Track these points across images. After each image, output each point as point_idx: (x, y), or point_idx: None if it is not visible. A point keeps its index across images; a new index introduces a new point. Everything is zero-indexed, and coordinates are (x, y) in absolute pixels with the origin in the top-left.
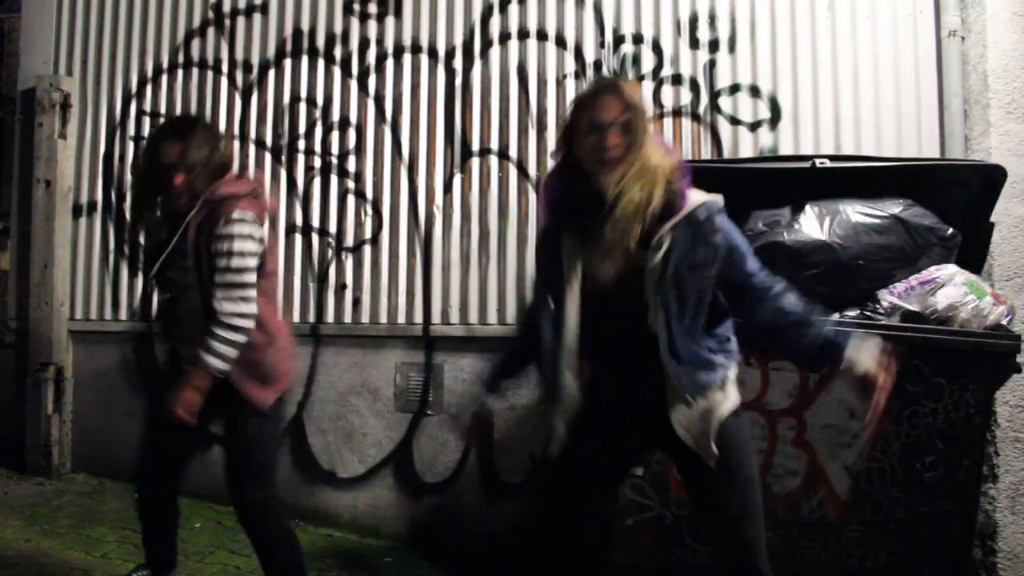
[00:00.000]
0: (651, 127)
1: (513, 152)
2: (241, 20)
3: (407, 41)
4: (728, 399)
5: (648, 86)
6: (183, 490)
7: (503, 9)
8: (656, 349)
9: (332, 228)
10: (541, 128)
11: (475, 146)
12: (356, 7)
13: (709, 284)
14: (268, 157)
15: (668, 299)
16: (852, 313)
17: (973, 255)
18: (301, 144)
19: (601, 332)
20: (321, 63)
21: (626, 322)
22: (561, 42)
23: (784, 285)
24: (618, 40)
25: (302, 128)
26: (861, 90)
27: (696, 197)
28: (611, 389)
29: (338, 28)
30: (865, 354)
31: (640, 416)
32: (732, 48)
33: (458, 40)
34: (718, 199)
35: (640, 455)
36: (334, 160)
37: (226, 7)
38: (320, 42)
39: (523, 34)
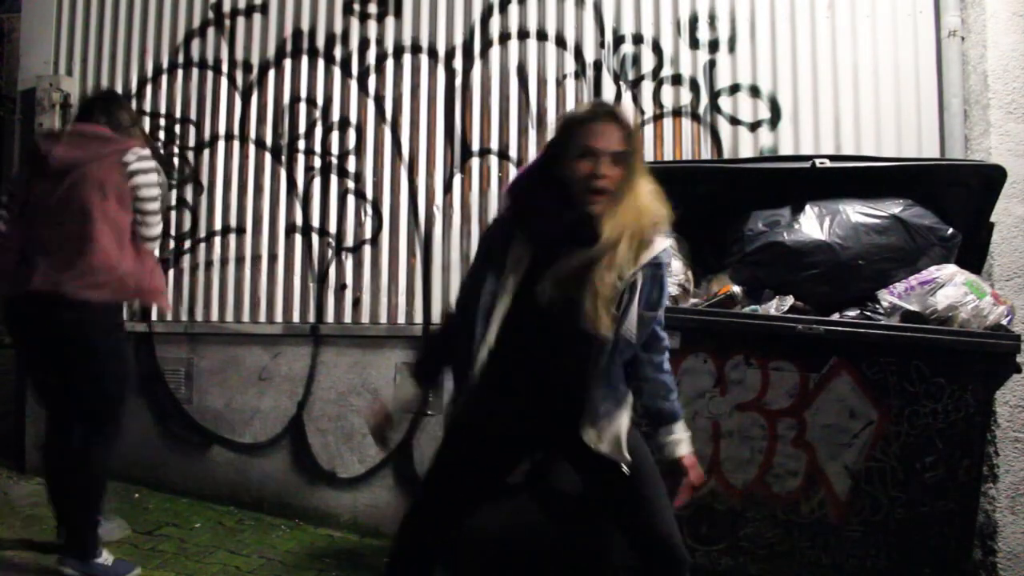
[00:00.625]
0: (643, 162)
1: (513, 152)
2: (241, 20)
3: (407, 41)
4: (627, 414)
5: (648, 86)
6: (182, 490)
7: (503, 9)
8: (580, 371)
9: (332, 228)
10: (541, 128)
11: (475, 146)
12: (356, 7)
13: (652, 322)
14: (268, 157)
15: (624, 334)
16: (852, 313)
17: (973, 255)
18: (301, 144)
19: (526, 343)
20: (321, 63)
21: (562, 343)
22: (561, 42)
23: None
24: (618, 40)
25: (302, 128)
26: (861, 90)
27: (660, 240)
28: (524, 401)
29: (338, 28)
30: (684, 445)
31: (549, 429)
32: (732, 48)
33: (458, 40)
34: (670, 242)
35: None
36: (334, 160)
37: (226, 7)
38: (320, 42)
39: (523, 34)
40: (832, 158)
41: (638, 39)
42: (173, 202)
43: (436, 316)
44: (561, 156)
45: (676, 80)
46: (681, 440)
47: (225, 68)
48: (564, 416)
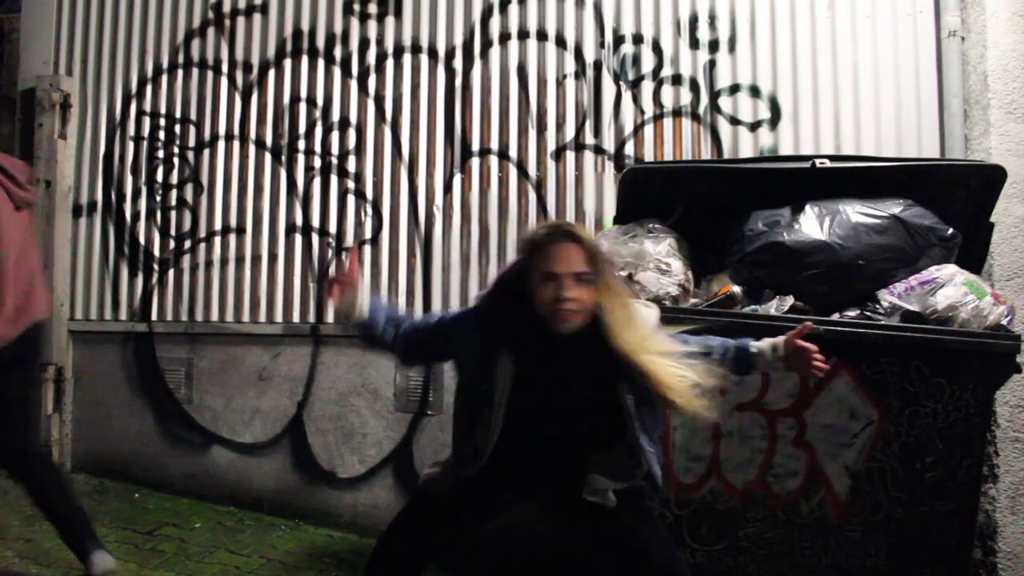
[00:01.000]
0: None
1: (513, 152)
2: (241, 20)
3: (407, 41)
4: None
5: (648, 86)
6: (182, 490)
7: (503, 9)
8: (575, 455)
9: (332, 228)
10: (541, 128)
11: (475, 146)
12: (356, 7)
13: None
14: (268, 157)
15: (642, 414)
16: (852, 313)
17: (973, 255)
18: (301, 144)
19: (522, 436)
20: (321, 63)
21: (565, 436)
22: (561, 42)
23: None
24: (618, 40)
25: (302, 128)
26: (861, 90)
27: (652, 323)
28: (518, 480)
29: (338, 28)
30: (765, 345)
31: (544, 496)
32: (732, 48)
33: (458, 40)
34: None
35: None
36: (334, 160)
37: (226, 7)
38: (320, 42)
39: (523, 34)
40: (832, 158)
41: (638, 39)
42: (173, 202)
43: None
44: (527, 278)
45: (676, 80)
46: (762, 348)
47: (225, 68)
48: (560, 488)
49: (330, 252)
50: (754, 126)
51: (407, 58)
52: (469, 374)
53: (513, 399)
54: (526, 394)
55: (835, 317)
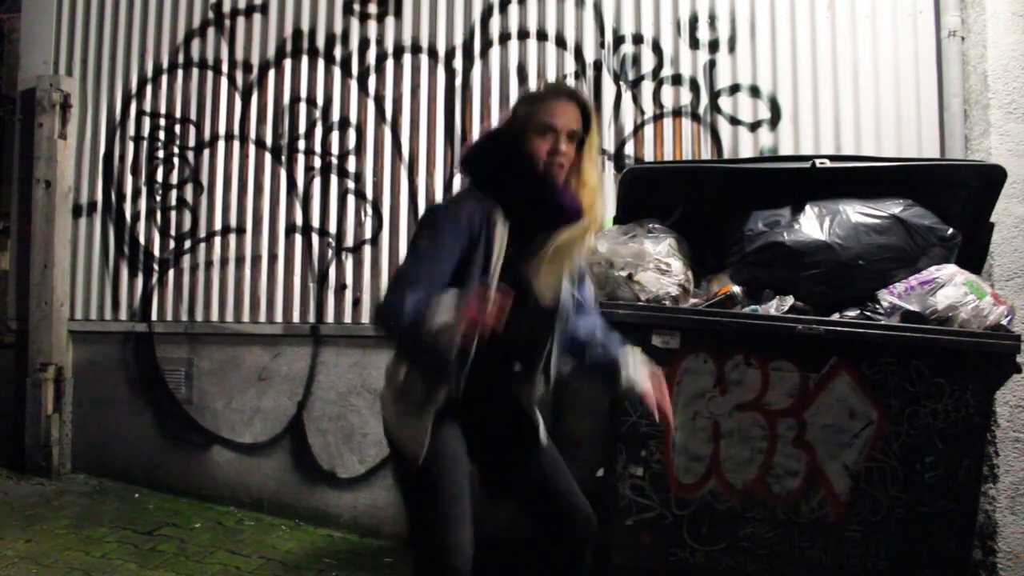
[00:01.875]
0: (598, 142)
1: None
2: (241, 20)
3: (407, 41)
4: None
5: (648, 86)
6: (182, 490)
7: (503, 9)
8: (545, 340)
9: (332, 228)
10: None
11: None
12: (356, 7)
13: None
14: (268, 157)
15: (570, 312)
16: (852, 313)
17: (973, 255)
18: (301, 144)
19: (512, 321)
20: (321, 63)
21: (536, 315)
22: (561, 42)
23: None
24: (618, 40)
25: (302, 128)
26: (861, 90)
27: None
28: (491, 398)
29: (338, 28)
30: (640, 372)
31: (512, 425)
32: (732, 48)
33: (458, 40)
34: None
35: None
36: (334, 160)
37: (226, 7)
38: (320, 42)
39: (523, 34)
40: (832, 158)
41: (638, 39)
42: (173, 202)
43: None
44: (520, 132)
45: (676, 80)
46: (632, 378)
47: (225, 68)
48: (520, 404)
49: (330, 252)
50: (754, 126)
51: (407, 58)
52: (463, 248)
53: (504, 263)
54: (515, 252)
55: (835, 317)
